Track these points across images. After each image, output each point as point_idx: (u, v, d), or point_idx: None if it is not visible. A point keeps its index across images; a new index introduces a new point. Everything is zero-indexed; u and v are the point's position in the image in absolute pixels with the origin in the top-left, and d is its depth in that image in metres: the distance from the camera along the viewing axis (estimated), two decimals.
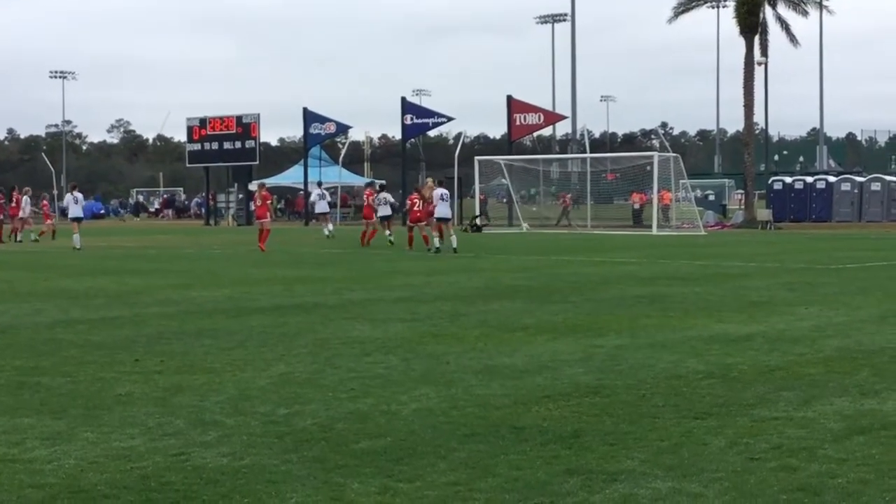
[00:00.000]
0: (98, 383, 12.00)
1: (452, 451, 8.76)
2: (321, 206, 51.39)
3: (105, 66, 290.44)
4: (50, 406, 10.76)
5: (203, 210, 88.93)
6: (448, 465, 8.37)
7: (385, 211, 44.78)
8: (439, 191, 39.64)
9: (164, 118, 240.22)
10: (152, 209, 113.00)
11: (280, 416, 10.22)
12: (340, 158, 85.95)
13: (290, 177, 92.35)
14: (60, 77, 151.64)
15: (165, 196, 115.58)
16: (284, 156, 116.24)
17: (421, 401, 10.89)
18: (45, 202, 54.11)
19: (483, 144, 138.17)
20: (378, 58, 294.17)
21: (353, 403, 10.78)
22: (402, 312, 18.77)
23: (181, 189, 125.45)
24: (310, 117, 79.34)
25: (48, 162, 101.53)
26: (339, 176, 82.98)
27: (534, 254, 37.60)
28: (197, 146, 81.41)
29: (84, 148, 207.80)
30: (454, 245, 38.00)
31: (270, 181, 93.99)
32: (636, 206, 69.74)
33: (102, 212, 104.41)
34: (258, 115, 78.75)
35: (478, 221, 61.63)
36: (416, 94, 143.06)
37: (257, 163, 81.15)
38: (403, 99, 76.76)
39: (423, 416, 10.13)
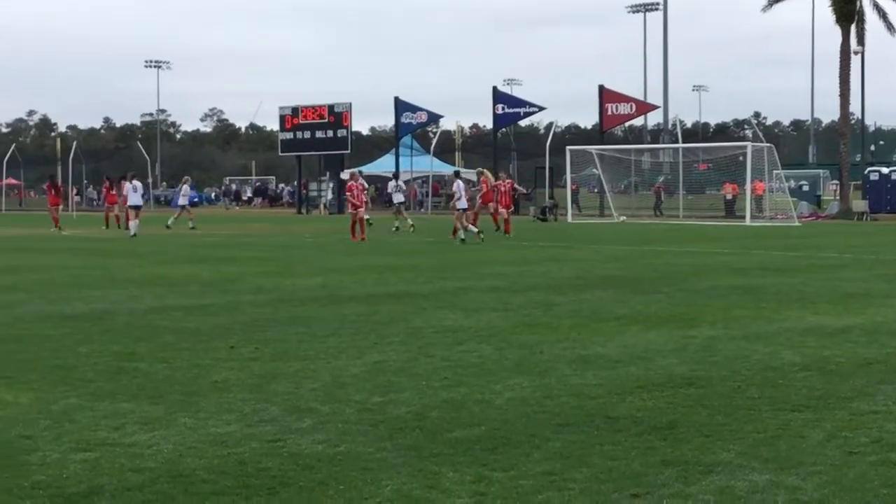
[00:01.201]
0: (194, 369, 12.12)
1: (547, 441, 8.75)
2: (397, 198, 51.92)
3: (198, 55, 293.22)
4: (148, 391, 10.88)
5: (295, 198, 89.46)
6: (542, 454, 8.36)
7: (398, 198, 48.46)
8: (460, 182, 40.16)
9: (256, 107, 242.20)
10: (245, 198, 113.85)
11: (374, 403, 10.26)
12: (432, 148, 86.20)
13: (382, 166, 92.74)
14: (155, 67, 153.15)
15: (258, 184, 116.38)
16: (375, 145, 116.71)
17: (515, 390, 10.89)
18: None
19: (574, 134, 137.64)
20: (470, 47, 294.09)
21: (446, 392, 10.80)
22: (495, 302, 18.76)
23: (273, 178, 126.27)
24: (401, 106, 79.55)
25: (143, 150, 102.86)
26: (430, 165, 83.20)
27: (626, 244, 37.43)
28: (289, 135, 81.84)
29: (178, 136, 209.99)
30: (474, 230, 38.47)
31: (362, 169, 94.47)
32: (729, 196, 69.13)
33: (196, 199, 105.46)
34: (350, 104, 79.03)
35: (543, 213, 61.68)
36: (508, 84, 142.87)
37: (349, 152, 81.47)
38: (495, 88, 76.79)
39: (517, 406, 10.13)
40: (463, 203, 39.12)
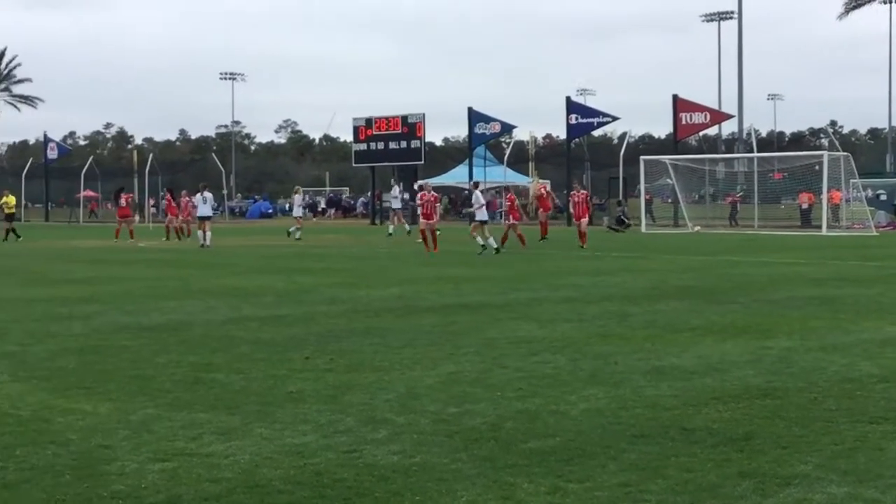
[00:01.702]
0: (270, 380, 12.20)
1: (622, 452, 8.73)
2: (395, 204, 53.10)
3: (272, 67, 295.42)
4: (224, 402, 10.97)
5: (369, 209, 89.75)
6: (618, 465, 8.34)
7: (396, 204, 51.58)
8: (479, 193, 40.55)
9: (330, 118, 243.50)
10: (319, 209, 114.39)
11: (449, 414, 10.28)
12: (505, 158, 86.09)
13: (455, 176, 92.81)
14: (230, 78, 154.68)
15: (331, 195, 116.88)
16: (449, 155, 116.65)
17: (589, 401, 10.87)
18: (184, 199, 55.09)
19: (648, 144, 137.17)
20: (542, 57, 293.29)
21: (521, 403, 10.80)
22: (569, 313, 18.74)
23: (347, 188, 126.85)
24: (475, 117, 79.52)
25: (218, 162, 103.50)
26: (503, 175, 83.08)
27: (700, 254, 37.22)
28: (363, 146, 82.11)
29: (252, 148, 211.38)
30: (482, 242, 38.09)
31: (435, 181, 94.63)
32: (804, 206, 68.49)
33: (270, 211, 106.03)
34: (423, 114, 79.13)
35: (619, 223, 61.53)
36: (581, 94, 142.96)
37: (422, 162, 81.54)
38: (568, 98, 76.66)
39: (592, 417, 10.11)
40: (482, 214, 39.09)
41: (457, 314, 18.63)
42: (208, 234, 44.94)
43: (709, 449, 8.83)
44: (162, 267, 32.04)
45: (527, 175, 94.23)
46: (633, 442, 9.08)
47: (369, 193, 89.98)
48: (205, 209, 46.44)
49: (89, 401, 11.08)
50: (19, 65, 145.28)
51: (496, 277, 26.85)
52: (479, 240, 37.97)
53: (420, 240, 38.96)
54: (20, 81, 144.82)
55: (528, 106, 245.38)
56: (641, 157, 67.23)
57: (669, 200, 75.02)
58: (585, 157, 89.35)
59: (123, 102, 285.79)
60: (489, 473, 8.15)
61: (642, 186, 66.83)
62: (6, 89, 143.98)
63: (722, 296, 21.65)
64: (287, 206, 55.37)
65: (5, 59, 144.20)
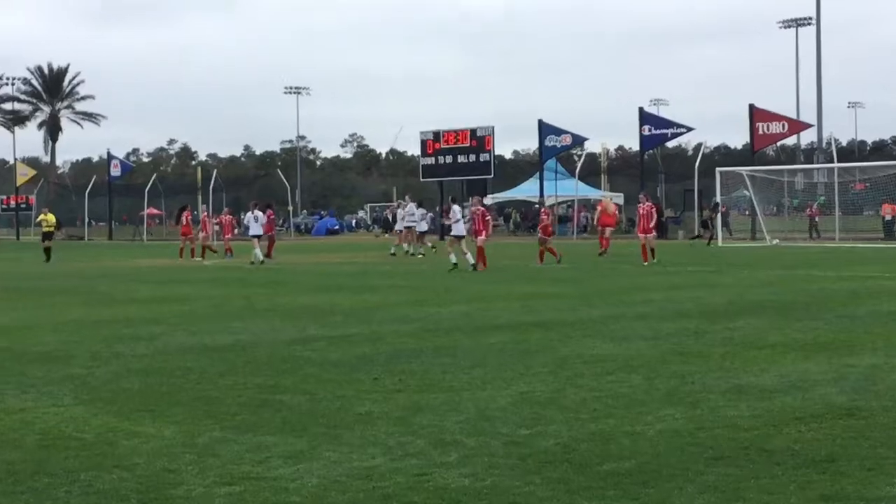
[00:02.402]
0: (338, 402, 12.23)
1: (700, 475, 8.67)
2: (421, 227, 53.12)
3: (337, 80, 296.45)
4: (291, 424, 11.00)
5: (437, 225, 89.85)
6: (696, 488, 8.28)
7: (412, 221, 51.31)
8: (457, 207, 40.35)
9: (396, 132, 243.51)
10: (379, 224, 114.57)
11: (521, 436, 10.26)
12: (577, 171, 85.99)
13: (526, 190, 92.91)
14: (295, 93, 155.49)
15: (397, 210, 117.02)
16: (519, 169, 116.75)
17: (666, 421, 10.81)
18: (203, 216, 55.24)
19: (724, 155, 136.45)
20: (614, 66, 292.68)
21: (595, 424, 10.76)
22: (644, 329, 18.66)
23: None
24: (545, 129, 79.49)
25: (283, 177, 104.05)
26: (575, 189, 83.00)
27: (779, 268, 36.95)
28: (430, 160, 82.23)
29: (318, 163, 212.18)
30: (454, 260, 37.88)
31: (505, 195, 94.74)
32: (888, 217, 67.85)
33: (337, 227, 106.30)
34: (492, 127, 79.15)
35: (704, 225, 61.41)
36: (654, 104, 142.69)
37: (492, 176, 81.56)
38: (641, 109, 76.52)
39: (669, 438, 10.05)
40: (459, 229, 39.12)
41: (528, 332, 18.60)
42: (257, 251, 45.87)
43: (790, 471, 8.75)
44: (226, 286, 32.24)
45: (599, 188, 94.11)
46: (712, 464, 9.02)
47: (438, 208, 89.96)
48: (255, 228, 47.39)
49: (154, 423, 11.15)
50: (82, 81, 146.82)
51: (567, 294, 26.79)
52: (453, 257, 38.09)
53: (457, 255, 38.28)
54: (83, 98, 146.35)
55: (600, 117, 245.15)
56: (718, 169, 66.81)
57: (747, 213, 74.63)
58: (659, 170, 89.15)
59: (187, 118, 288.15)
60: (562, 497, 8.13)
61: (718, 199, 66.41)
62: (69, 107, 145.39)
63: (802, 311, 21.47)
64: (373, 219, 55.32)
65: (68, 77, 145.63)
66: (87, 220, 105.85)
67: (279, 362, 15.48)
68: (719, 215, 64.53)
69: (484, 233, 39.31)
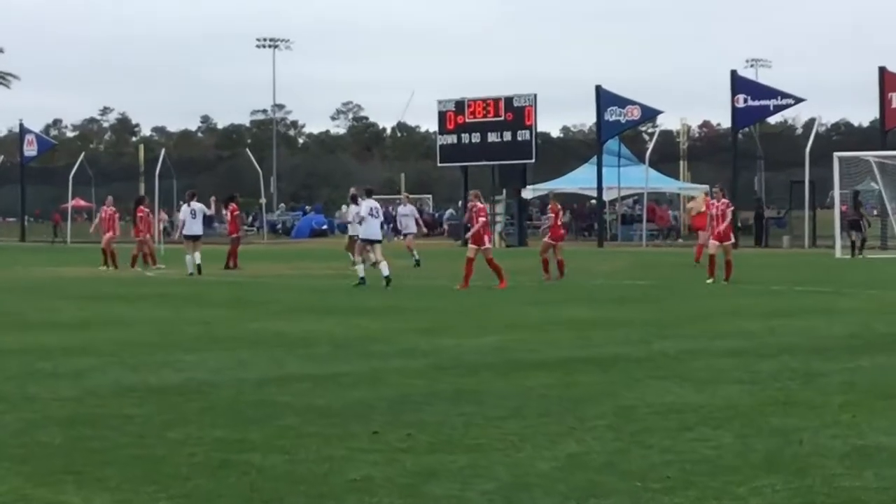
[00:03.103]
0: (325, 463, 12.27)
1: None
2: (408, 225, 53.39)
3: (327, 30, 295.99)
4: (262, 493, 11.04)
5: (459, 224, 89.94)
6: None
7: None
8: (368, 204, 40.49)
9: (406, 101, 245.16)
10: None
11: None
12: (647, 155, 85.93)
13: (578, 180, 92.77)
14: (270, 46, 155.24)
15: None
16: (570, 151, 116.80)
17: (765, 494, 10.83)
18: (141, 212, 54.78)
19: (844, 135, 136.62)
20: (698, 18, 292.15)
21: (669, 496, 10.78)
22: (736, 370, 18.66)
23: (429, 196, 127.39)
24: (605, 99, 79.53)
25: (253, 160, 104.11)
26: (644, 179, 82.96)
27: None
28: (451, 138, 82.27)
29: (301, 141, 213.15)
30: (385, 273, 38.44)
31: (551, 185, 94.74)
32: None
33: (325, 227, 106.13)
34: (534, 95, 79.24)
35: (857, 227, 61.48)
36: (751, 66, 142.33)
37: (533, 161, 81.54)
38: (734, 73, 76.58)
39: None
40: (371, 231, 39.90)
41: (580, 372, 18.62)
42: (197, 256, 46.13)
43: None
44: (178, 305, 32.33)
45: (675, 178, 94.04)
46: None
47: (460, 203, 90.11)
48: (194, 225, 47.40)
49: (79, 491, 11.18)
50: None
51: (635, 321, 26.81)
52: (360, 269, 39.40)
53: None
54: None
55: (679, 84, 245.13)
56: (836, 154, 66.76)
57: (875, 213, 74.51)
58: (758, 154, 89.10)
59: (125, 81, 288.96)
60: None
61: (836, 193, 66.35)
62: None
63: None
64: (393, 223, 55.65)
65: None
66: None
67: (247, 409, 15.51)
68: (837, 216, 64.49)
69: (485, 239, 38.93)
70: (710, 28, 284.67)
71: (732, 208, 41.50)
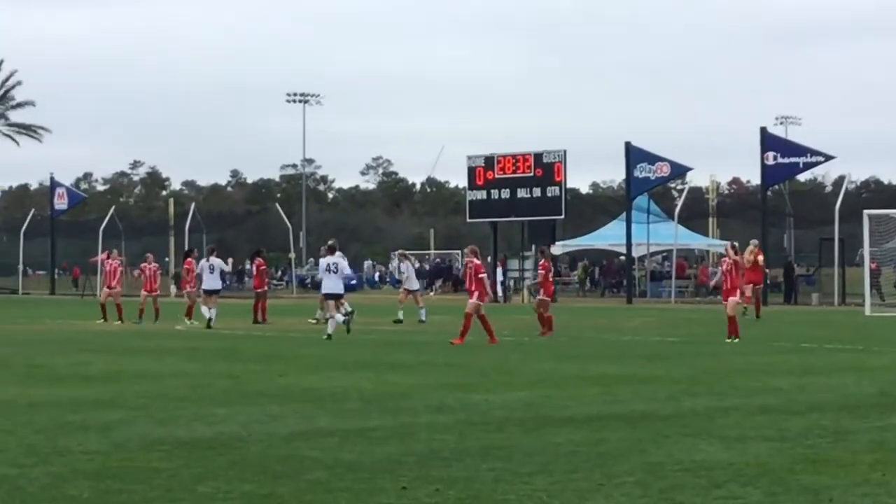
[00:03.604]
0: None
1: None
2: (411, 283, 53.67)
3: (357, 85, 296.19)
4: None
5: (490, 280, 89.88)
6: None
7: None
8: (326, 260, 42.20)
9: (436, 155, 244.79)
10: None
11: None
12: (676, 212, 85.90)
13: (607, 236, 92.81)
14: (300, 101, 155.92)
15: (437, 261, 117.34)
16: (599, 207, 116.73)
17: None
18: (148, 266, 54.79)
19: (875, 192, 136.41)
20: (726, 71, 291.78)
21: None
22: (765, 427, 18.61)
23: (458, 252, 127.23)
24: (635, 155, 79.49)
25: (283, 215, 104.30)
26: (673, 235, 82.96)
27: None
28: (481, 194, 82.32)
29: (330, 196, 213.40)
30: (331, 329, 39.86)
31: (581, 241, 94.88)
32: None
33: (353, 282, 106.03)
34: (564, 151, 79.23)
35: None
36: (781, 123, 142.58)
37: (563, 217, 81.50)
38: (763, 130, 76.54)
39: None
40: (331, 286, 41.63)
41: (608, 428, 18.58)
42: (214, 311, 47.33)
43: None
44: (207, 359, 32.34)
45: (704, 235, 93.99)
46: None
47: (490, 258, 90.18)
48: (212, 280, 48.98)
49: None
50: (19, 83, 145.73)
51: (663, 378, 26.75)
52: (331, 323, 40.31)
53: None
54: (20, 105, 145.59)
55: (708, 141, 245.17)
56: (865, 212, 66.61)
57: None
58: (787, 211, 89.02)
59: (156, 135, 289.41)
60: None
61: (866, 251, 66.19)
62: (1, 116, 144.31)
63: None
64: (391, 273, 56.12)
65: (1, 76, 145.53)
66: (21, 267, 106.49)
67: (275, 463, 15.51)
68: (867, 274, 64.31)
69: (476, 294, 39.11)
70: (740, 85, 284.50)
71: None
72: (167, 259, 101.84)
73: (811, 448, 16.70)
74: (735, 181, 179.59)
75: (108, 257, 56.02)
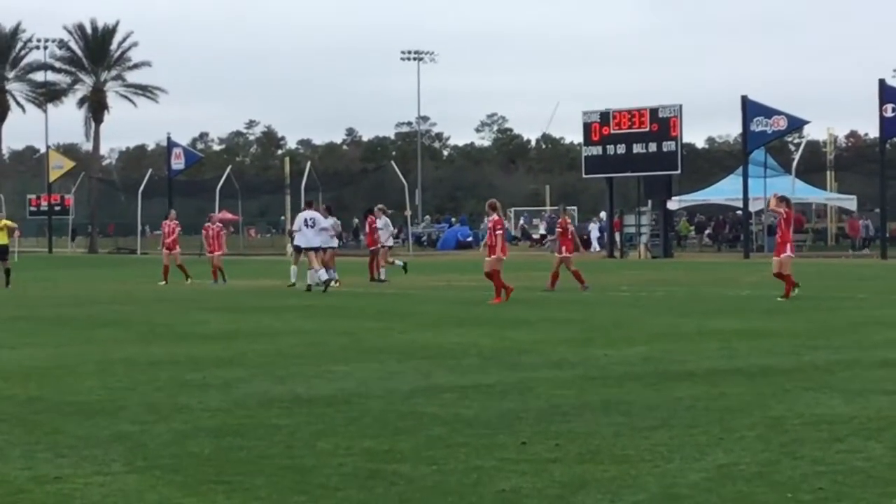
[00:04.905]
0: (473, 474, 12.24)
1: None
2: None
3: (472, 43, 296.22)
4: (412, 503, 11.02)
5: (605, 237, 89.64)
6: None
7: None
8: (303, 214, 43.12)
9: (551, 112, 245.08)
10: (536, 235, 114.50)
11: None
12: (794, 165, 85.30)
13: (723, 191, 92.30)
14: (415, 59, 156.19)
15: (552, 217, 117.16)
16: (715, 162, 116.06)
17: None
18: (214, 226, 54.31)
19: None
20: (844, 26, 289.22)
21: None
22: (887, 381, 18.45)
23: (574, 208, 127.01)
24: (751, 109, 78.95)
25: (399, 172, 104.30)
26: (791, 188, 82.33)
27: None
28: (596, 150, 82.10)
29: (445, 153, 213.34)
30: (322, 279, 41.56)
31: (697, 196, 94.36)
32: None
33: (469, 239, 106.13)
34: (680, 106, 78.85)
35: None
36: None
37: (678, 172, 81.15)
38: (882, 82, 75.65)
39: None
40: (317, 240, 43.27)
41: (728, 383, 18.48)
42: (330, 269, 44.81)
43: None
44: (325, 317, 32.46)
45: (822, 188, 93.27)
46: None
47: (604, 214, 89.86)
48: (305, 236, 44.57)
49: (229, 500, 11.24)
50: (135, 44, 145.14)
51: (783, 331, 26.58)
52: (312, 275, 42.03)
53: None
54: (136, 66, 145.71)
55: (825, 94, 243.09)
56: None
57: None
58: None
59: (271, 94, 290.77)
60: None
61: None
62: (118, 77, 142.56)
63: None
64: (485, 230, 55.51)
65: (117, 38, 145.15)
66: (140, 226, 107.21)
67: (395, 420, 15.53)
68: None
69: (497, 249, 38.28)
70: (858, 37, 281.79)
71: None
72: (283, 217, 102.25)
73: None
74: (853, 134, 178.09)
75: (211, 221, 55.10)
